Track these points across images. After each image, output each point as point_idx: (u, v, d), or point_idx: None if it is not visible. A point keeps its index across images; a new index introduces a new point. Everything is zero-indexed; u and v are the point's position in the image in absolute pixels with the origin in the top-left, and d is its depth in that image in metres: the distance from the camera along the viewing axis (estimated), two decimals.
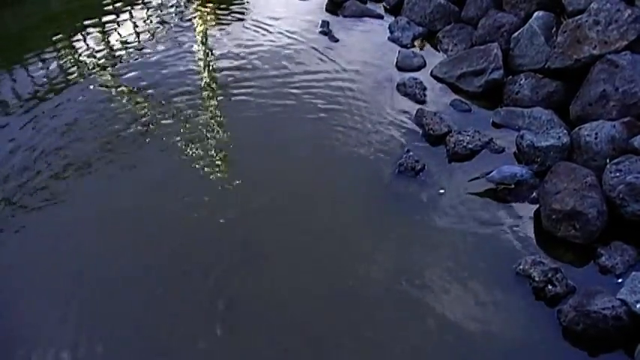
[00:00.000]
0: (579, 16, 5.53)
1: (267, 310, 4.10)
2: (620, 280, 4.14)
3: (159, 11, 8.15)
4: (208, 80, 6.58)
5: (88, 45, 7.29)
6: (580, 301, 3.87)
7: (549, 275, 4.12)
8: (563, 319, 3.92)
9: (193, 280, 4.30)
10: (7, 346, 3.88)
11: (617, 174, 4.52)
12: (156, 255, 4.50)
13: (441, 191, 5.02)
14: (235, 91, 6.35)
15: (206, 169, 5.27)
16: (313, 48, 7.12)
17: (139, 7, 8.22)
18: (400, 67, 6.69)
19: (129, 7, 8.17)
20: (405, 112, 5.97)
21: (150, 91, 6.32)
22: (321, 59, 6.89)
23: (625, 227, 4.46)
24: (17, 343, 3.89)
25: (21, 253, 4.53)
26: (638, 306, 3.76)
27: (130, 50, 7.17)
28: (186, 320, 4.02)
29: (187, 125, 5.80)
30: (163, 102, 6.12)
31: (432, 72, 6.54)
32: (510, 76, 6.04)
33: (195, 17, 7.98)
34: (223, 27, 7.69)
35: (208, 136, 5.69)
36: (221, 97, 6.30)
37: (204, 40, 7.41)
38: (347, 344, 3.91)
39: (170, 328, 3.98)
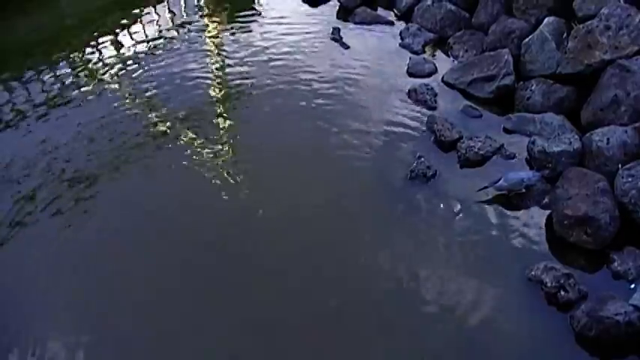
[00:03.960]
0: (590, 22, 5.53)
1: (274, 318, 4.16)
2: (632, 286, 4.14)
3: (170, 19, 8.23)
4: (220, 86, 6.65)
5: (100, 53, 7.39)
6: (592, 307, 3.87)
7: (562, 281, 4.12)
8: (575, 324, 3.92)
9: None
10: None
11: (630, 179, 4.51)
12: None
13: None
14: (246, 98, 6.43)
15: (219, 173, 5.34)
16: (324, 55, 7.16)
17: (151, 15, 8.30)
18: (411, 74, 6.72)
19: (141, 15, 8.26)
20: (417, 118, 5.99)
21: (163, 97, 6.40)
22: (332, 66, 6.92)
23: (638, 232, 4.46)
24: None
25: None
26: None
27: (143, 57, 7.26)
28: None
29: (201, 130, 5.87)
30: (176, 109, 6.20)
31: (443, 78, 6.56)
32: (521, 82, 6.04)
33: (206, 24, 8.06)
34: (234, 35, 7.76)
35: (220, 140, 5.77)
36: (233, 103, 6.37)
37: (215, 46, 7.48)
38: (360, 351, 3.94)
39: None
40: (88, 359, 3.90)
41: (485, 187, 4.98)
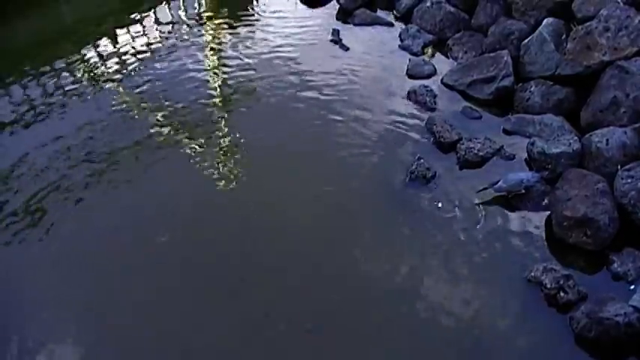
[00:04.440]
0: (589, 23, 5.54)
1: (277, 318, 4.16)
2: (632, 287, 4.14)
3: (169, 21, 8.23)
4: (219, 88, 6.65)
5: (100, 56, 7.38)
6: (592, 308, 3.88)
7: (561, 282, 4.12)
8: (575, 326, 3.92)
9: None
10: None
11: (629, 180, 4.51)
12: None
13: (439, 205, 5.03)
14: (245, 100, 6.43)
15: (217, 173, 5.35)
16: (323, 56, 7.16)
17: (150, 18, 8.30)
18: (411, 75, 6.72)
19: (140, 19, 8.26)
20: (416, 119, 6.00)
21: (162, 99, 6.40)
22: (332, 67, 6.92)
23: (637, 234, 4.46)
24: None
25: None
26: None
27: (143, 58, 7.27)
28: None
29: (200, 131, 5.88)
30: (176, 110, 6.21)
31: (442, 79, 6.56)
32: (521, 84, 6.04)
33: (205, 27, 8.06)
34: (234, 37, 7.76)
35: (219, 141, 5.78)
36: (231, 105, 6.37)
37: (214, 49, 7.48)
38: (360, 350, 3.95)
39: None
40: (88, 357, 3.91)
41: (485, 189, 4.99)
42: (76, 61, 7.27)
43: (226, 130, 5.99)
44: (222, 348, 3.97)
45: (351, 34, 7.65)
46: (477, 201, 4.99)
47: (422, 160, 5.30)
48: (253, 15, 8.34)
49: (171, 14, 8.43)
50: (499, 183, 4.91)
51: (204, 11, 8.54)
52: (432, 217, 4.89)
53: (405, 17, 7.81)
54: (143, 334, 4.08)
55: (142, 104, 6.34)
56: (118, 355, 3.98)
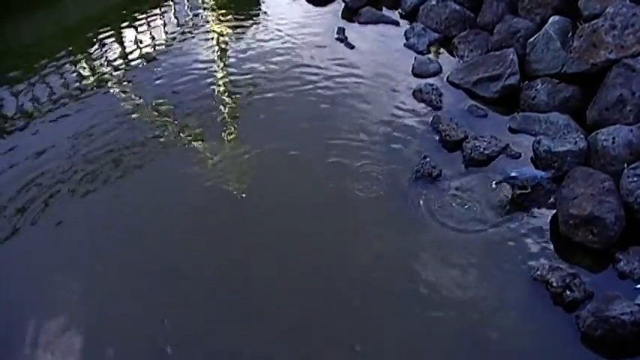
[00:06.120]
0: (595, 21, 5.53)
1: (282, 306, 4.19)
2: (638, 286, 4.14)
3: (175, 20, 8.25)
4: (225, 86, 6.66)
5: (104, 53, 7.41)
6: (598, 307, 3.88)
7: (567, 280, 4.13)
8: (581, 324, 3.93)
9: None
10: None
11: (635, 179, 4.51)
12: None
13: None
14: (250, 98, 6.45)
15: (225, 172, 5.37)
16: (329, 55, 7.17)
17: (156, 16, 8.33)
18: (416, 74, 6.72)
19: (145, 16, 8.29)
20: (422, 118, 6.00)
21: (167, 96, 6.44)
22: (337, 66, 6.93)
23: None
24: None
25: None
26: None
27: (148, 57, 7.30)
28: None
29: (206, 128, 5.92)
30: (181, 108, 6.22)
31: (448, 78, 6.57)
32: (526, 82, 6.04)
33: (211, 25, 8.08)
34: (240, 35, 7.77)
35: (226, 138, 5.81)
36: (238, 103, 6.38)
37: (219, 46, 7.50)
38: (361, 347, 3.97)
39: None
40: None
41: (500, 182, 4.99)
42: (81, 57, 7.31)
43: (232, 127, 6.00)
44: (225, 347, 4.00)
45: (356, 32, 7.66)
46: (482, 199, 4.99)
47: (428, 159, 5.30)
48: (258, 13, 8.35)
49: (176, 11, 8.45)
50: (514, 173, 4.90)
51: (208, 9, 8.56)
52: (437, 216, 4.89)
53: (411, 16, 7.83)
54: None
55: (145, 103, 6.35)
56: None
